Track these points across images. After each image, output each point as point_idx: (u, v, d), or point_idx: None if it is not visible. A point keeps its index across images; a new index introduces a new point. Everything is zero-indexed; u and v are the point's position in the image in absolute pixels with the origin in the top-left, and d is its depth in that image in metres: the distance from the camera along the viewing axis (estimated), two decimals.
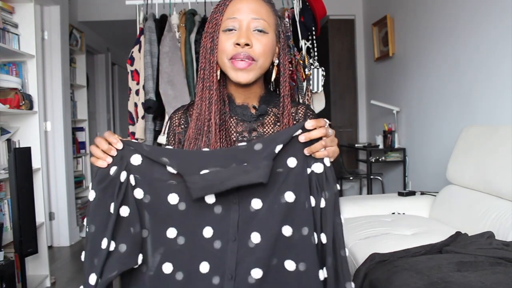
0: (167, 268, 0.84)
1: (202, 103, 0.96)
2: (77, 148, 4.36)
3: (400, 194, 2.85)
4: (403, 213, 2.61)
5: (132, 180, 0.83)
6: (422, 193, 2.85)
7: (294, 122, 1.02)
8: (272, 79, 1.02)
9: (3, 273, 2.24)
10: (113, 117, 6.08)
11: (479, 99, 2.69)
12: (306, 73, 2.33)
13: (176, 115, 1.04)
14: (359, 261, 1.82)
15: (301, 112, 1.04)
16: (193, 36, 2.48)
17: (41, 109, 3.45)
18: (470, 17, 2.77)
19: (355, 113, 4.82)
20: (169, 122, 1.05)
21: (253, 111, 1.01)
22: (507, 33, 2.39)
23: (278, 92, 1.07)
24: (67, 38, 3.90)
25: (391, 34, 3.97)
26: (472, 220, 2.12)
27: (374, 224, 2.29)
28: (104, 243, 0.80)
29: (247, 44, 0.92)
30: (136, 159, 0.83)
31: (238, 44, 0.92)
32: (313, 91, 2.42)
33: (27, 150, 2.46)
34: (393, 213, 2.61)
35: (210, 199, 0.83)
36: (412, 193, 2.84)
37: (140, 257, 0.83)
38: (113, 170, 0.82)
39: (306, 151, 0.83)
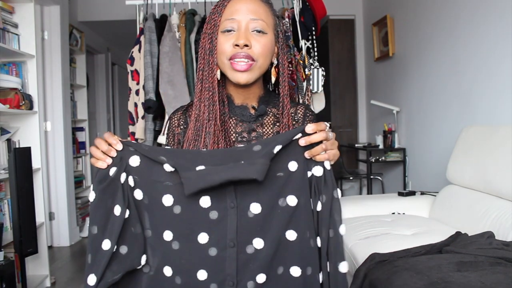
0: (168, 271, 0.84)
1: (201, 104, 0.96)
2: (77, 148, 4.36)
3: (400, 194, 2.84)
4: (403, 213, 2.61)
5: (131, 182, 0.83)
6: (422, 193, 2.85)
7: (294, 122, 1.01)
8: (273, 80, 1.01)
9: (3, 273, 2.24)
10: (113, 117, 6.08)
11: (479, 99, 2.69)
12: (306, 73, 2.33)
13: (176, 116, 1.04)
14: (359, 261, 1.82)
15: (300, 112, 1.03)
16: (193, 36, 2.48)
17: (41, 109, 3.45)
18: (470, 17, 2.77)
19: (355, 113, 4.82)
20: (168, 122, 1.05)
21: (253, 111, 1.00)
22: (507, 33, 2.39)
23: (277, 92, 1.06)
24: (67, 38, 3.90)
25: (391, 34, 3.97)
26: (472, 220, 2.12)
27: (374, 224, 2.29)
28: (104, 244, 0.80)
29: (246, 45, 0.91)
30: (134, 161, 0.83)
31: (237, 45, 0.91)
32: (313, 91, 2.42)
33: (27, 150, 2.46)
34: (393, 213, 2.61)
35: (205, 203, 0.82)
36: (412, 193, 2.84)
37: (144, 258, 0.83)
38: (112, 171, 0.82)
39: (307, 154, 0.82)
